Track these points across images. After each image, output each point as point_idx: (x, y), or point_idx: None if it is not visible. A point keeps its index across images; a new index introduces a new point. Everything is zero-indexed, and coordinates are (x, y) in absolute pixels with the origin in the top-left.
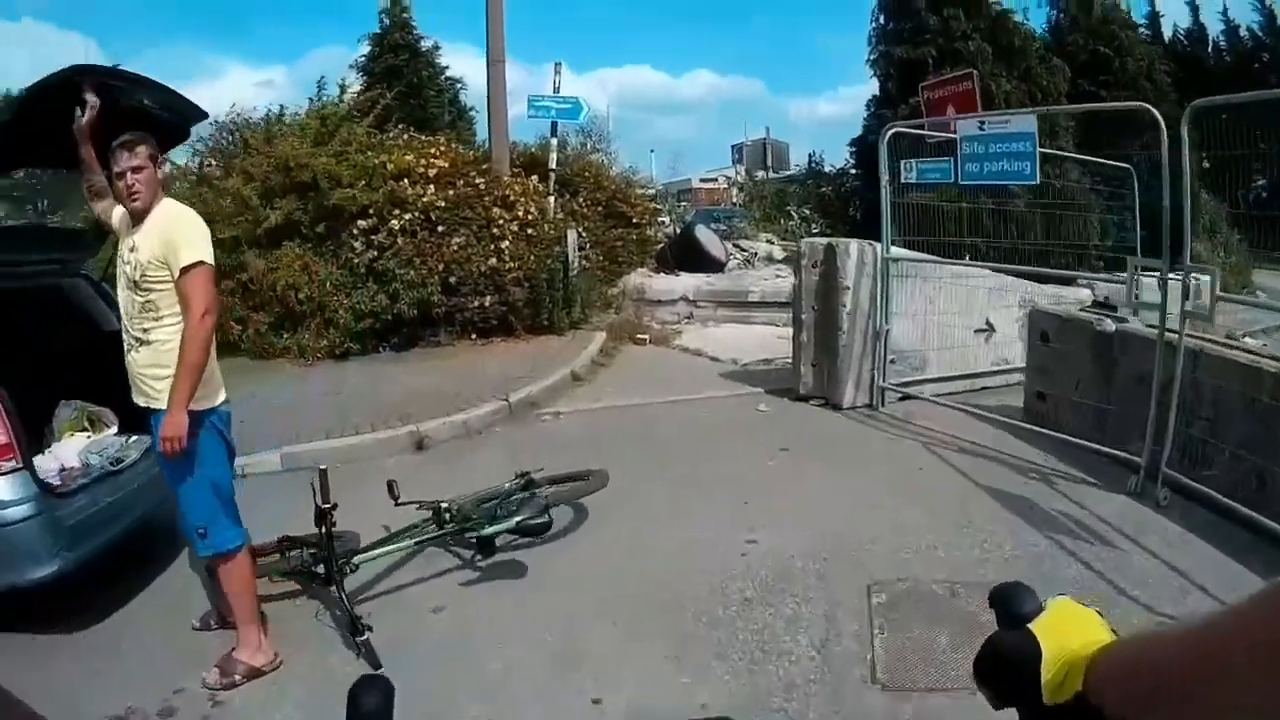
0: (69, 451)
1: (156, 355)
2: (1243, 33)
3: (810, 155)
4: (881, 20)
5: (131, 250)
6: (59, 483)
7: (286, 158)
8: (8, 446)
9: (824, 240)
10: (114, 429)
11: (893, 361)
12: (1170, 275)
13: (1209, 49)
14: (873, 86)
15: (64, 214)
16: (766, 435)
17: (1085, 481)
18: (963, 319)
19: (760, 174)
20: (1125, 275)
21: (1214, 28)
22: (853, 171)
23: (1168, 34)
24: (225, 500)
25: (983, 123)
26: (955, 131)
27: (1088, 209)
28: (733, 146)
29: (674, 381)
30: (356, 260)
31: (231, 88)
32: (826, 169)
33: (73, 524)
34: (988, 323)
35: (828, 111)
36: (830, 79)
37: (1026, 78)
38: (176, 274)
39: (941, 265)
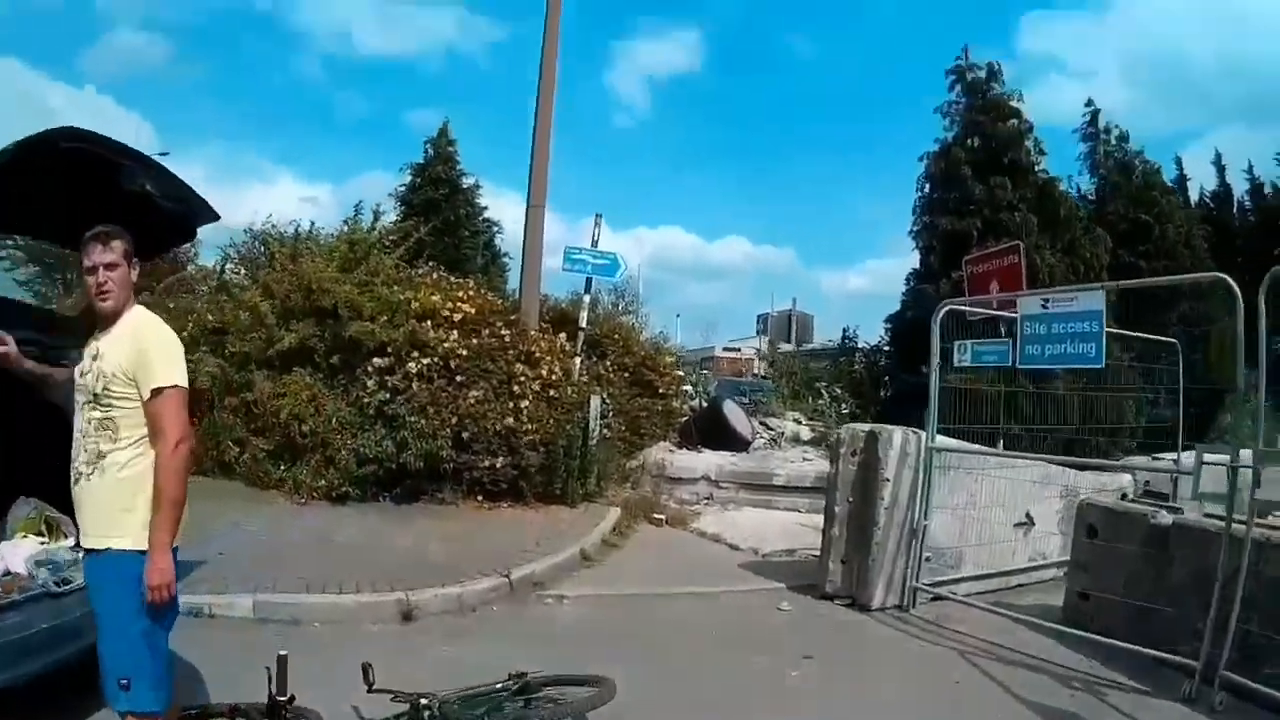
0: (17, 555)
1: (109, 483)
2: (1267, 189)
3: (845, 331)
4: (927, 190)
5: (95, 358)
6: None
7: (309, 279)
8: None
9: (865, 427)
10: (70, 542)
11: (928, 559)
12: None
13: (1234, 209)
14: (907, 261)
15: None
16: (790, 640)
17: (1134, 689)
18: (1004, 512)
19: (784, 345)
20: (1166, 458)
21: (1239, 186)
22: (885, 349)
23: (1194, 197)
24: (156, 656)
25: (1046, 301)
26: (1014, 309)
27: (1124, 387)
28: (758, 316)
29: (690, 570)
30: (368, 400)
31: (278, 198)
32: (860, 345)
33: None
34: (1028, 516)
35: (857, 285)
36: (861, 253)
37: (1070, 250)
38: (145, 394)
39: (987, 456)
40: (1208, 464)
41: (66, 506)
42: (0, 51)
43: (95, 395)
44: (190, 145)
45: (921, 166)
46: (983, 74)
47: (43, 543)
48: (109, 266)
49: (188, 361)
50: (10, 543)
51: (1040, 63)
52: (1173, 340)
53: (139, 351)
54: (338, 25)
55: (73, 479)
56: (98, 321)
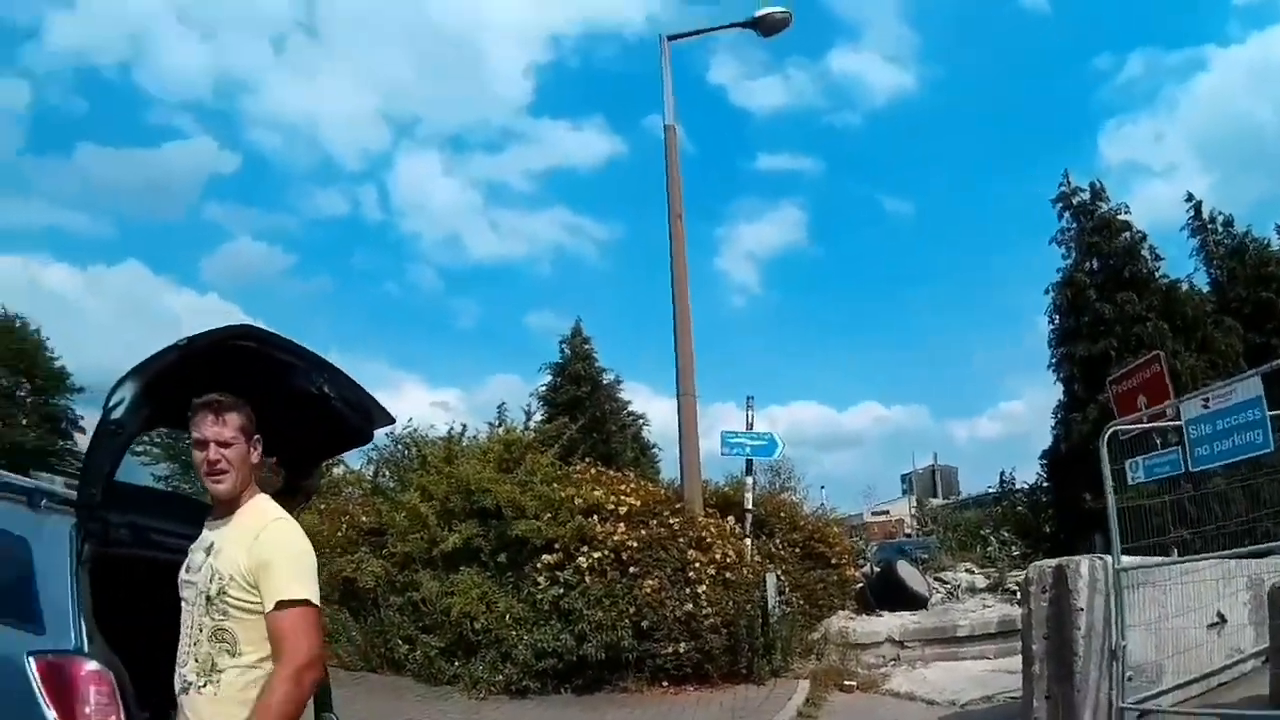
0: None
1: (225, 701)
2: None
3: (1001, 474)
4: (1057, 321)
5: (209, 552)
6: None
7: (468, 481)
8: None
9: (1052, 562)
10: None
11: (1129, 678)
12: None
13: None
14: (1038, 399)
15: None
16: None
17: None
18: (1194, 617)
19: (932, 501)
20: None
21: None
22: (1044, 485)
23: None
24: None
25: (1206, 400)
26: (1168, 419)
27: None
28: (902, 477)
29: None
30: (540, 596)
31: (408, 403)
32: (1018, 486)
33: None
34: (1219, 615)
35: (989, 430)
36: (988, 398)
37: (1204, 347)
38: (269, 606)
39: (1171, 566)
40: None
41: None
42: (126, 254)
43: (209, 598)
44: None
45: (1048, 300)
46: (1087, 195)
47: None
48: (223, 444)
49: (349, 561)
50: None
51: (1125, 170)
52: None
53: (265, 558)
54: (446, 233)
55: (178, 685)
56: (212, 507)
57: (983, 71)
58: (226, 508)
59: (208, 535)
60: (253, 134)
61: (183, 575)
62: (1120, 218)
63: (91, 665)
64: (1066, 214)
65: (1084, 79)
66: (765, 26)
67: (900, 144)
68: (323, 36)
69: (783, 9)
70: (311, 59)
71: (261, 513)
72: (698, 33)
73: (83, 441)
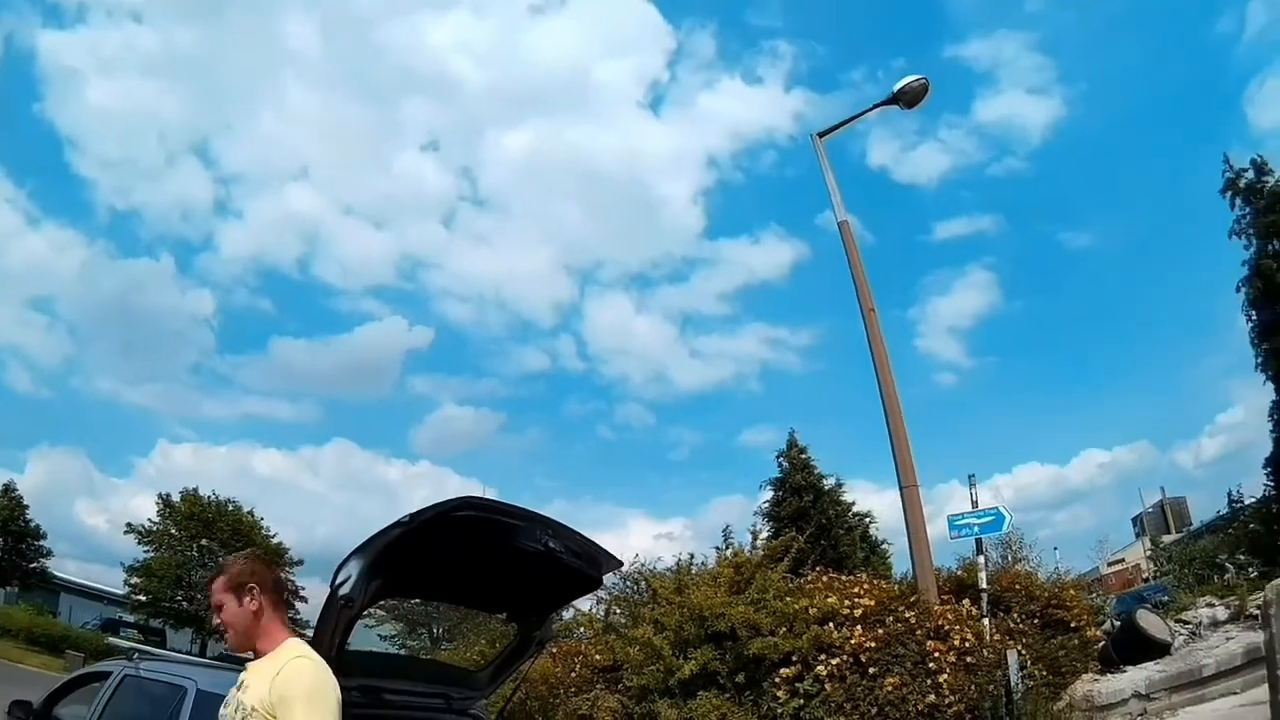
0: None
1: None
2: None
3: (1229, 493)
4: (1254, 316)
5: (239, 689)
6: None
7: (701, 607)
8: None
9: None
10: None
11: None
12: None
13: None
14: (1254, 404)
15: (457, 644)
16: None
17: None
18: None
19: (1166, 538)
20: None
21: None
22: (1273, 494)
23: None
24: None
25: None
26: None
27: None
28: (1132, 519)
29: None
30: (780, 710)
31: (635, 540)
32: (1245, 501)
33: None
34: None
35: (1213, 449)
36: (1207, 412)
37: None
38: None
39: None
40: None
41: None
42: (333, 434)
43: None
44: (535, 504)
45: (1240, 296)
46: (1251, 174)
47: None
48: (217, 608)
49: (584, 699)
50: None
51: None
52: None
53: (282, 689)
54: (650, 369)
55: None
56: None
57: (1120, 73)
58: (260, 652)
59: (242, 675)
60: (441, 307)
61: (221, 711)
62: None
63: None
64: (1238, 200)
65: (1212, 48)
66: (906, 99)
67: (1066, 174)
68: (490, 205)
69: (918, 77)
70: (484, 227)
71: (285, 651)
72: (845, 123)
73: (305, 610)
